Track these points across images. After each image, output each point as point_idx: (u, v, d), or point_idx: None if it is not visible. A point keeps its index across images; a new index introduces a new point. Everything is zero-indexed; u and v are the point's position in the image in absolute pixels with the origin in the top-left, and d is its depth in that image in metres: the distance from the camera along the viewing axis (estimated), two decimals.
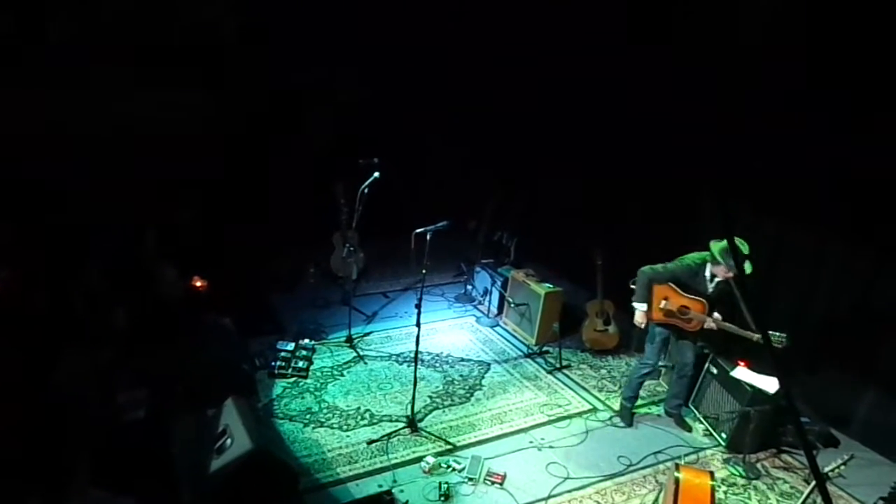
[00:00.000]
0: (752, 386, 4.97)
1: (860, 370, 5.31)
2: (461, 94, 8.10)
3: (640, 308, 5.14)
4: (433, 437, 5.03)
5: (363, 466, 4.68)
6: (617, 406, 5.56)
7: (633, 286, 5.20)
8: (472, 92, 8.09)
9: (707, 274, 4.93)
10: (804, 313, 5.57)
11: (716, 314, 4.91)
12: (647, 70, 6.35)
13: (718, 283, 4.90)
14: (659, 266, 5.04)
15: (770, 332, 4.54)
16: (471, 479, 4.58)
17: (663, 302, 5.04)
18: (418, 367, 5.19)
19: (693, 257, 4.97)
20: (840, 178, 5.05)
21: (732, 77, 5.55)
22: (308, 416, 5.20)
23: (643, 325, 5.20)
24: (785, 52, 5.28)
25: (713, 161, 6.05)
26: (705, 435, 5.34)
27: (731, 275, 4.74)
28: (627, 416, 5.45)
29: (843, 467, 3.86)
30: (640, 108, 6.49)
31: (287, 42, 7.28)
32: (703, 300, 4.89)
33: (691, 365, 5.29)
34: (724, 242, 4.65)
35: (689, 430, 5.38)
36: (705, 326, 4.92)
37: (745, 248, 4.54)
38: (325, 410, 5.30)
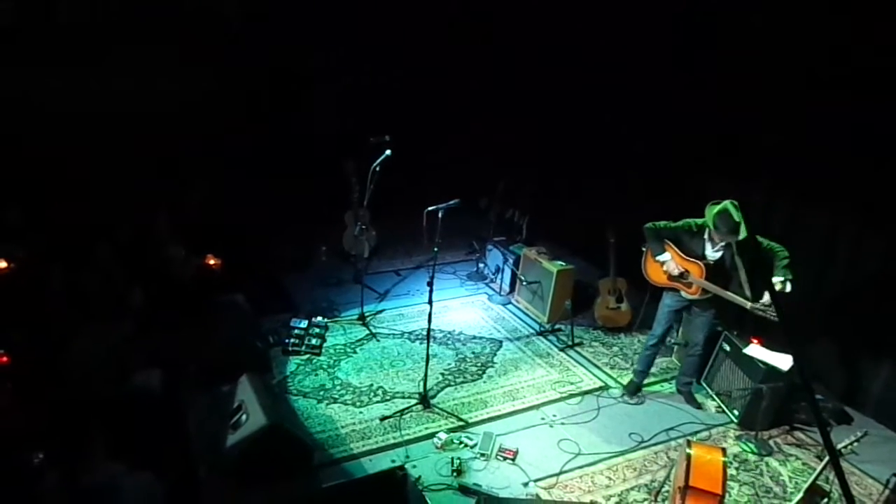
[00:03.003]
0: (765, 363, 4.95)
1: (874, 347, 5.27)
2: (474, 72, 8.04)
3: (664, 258, 5.00)
4: (445, 414, 5.06)
5: (376, 442, 4.73)
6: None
7: (644, 249, 5.19)
8: (486, 70, 8.03)
9: (706, 237, 4.87)
10: (818, 290, 5.53)
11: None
12: (655, 46, 6.28)
13: (721, 248, 4.83)
14: (661, 223, 5.01)
15: (765, 303, 4.52)
16: (483, 455, 4.61)
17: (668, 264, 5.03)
18: (430, 344, 5.21)
19: (694, 219, 4.92)
20: (856, 151, 4.98)
21: (744, 52, 5.49)
22: (322, 393, 5.24)
23: (679, 270, 4.96)
24: (798, 27, 5.20)
25: (724, 137, 6.00)
26: (718, 412, 5.34)
27: (726, 240, 4.69)
28: (632, 388, 5.47)
29: (856, 444, 3.86)
30: (651, 85, 6.43)
31: (297, 20, 7.24)
32: (702, 264, 4.86)
33: (702, 345, 5.26)
34: (720, 206, 4.60)
35: (700, 407, 5.38)
36: (702, 291, 4.89)
37: (737, 214, 4.50)
38: (338, 387, 5.34)
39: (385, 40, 7.61)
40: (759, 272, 4.67)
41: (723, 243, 4.78)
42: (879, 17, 4.68)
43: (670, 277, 5.01)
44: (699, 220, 4.89)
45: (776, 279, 4.50)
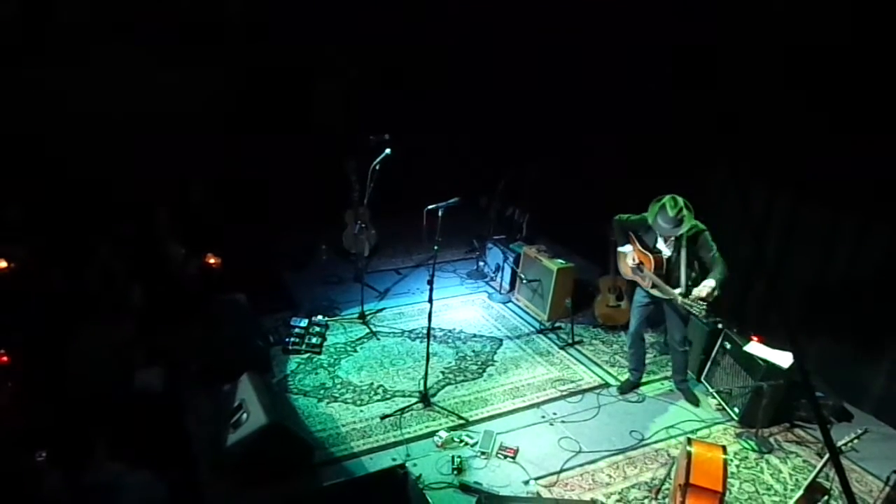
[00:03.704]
0: (765, 361, 4.96)
1: (874, 344, 5.27)
2: (471, 70, 8.04)
3: (625, 249, 5.19)
4: (446, 412, 5.07)
5: (377, 441, 4.73)
6: None
7: (612, 238, 5.32)
8: (483, 68, 8.03)
9: (656, 229, 4.90)
10: (819, 287, 5.53)
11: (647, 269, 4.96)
12: (656, 43, 6.27)
13: (671, 243, 4.88)
14: (626, 215, 5.13)
15: (696, 299, 4.59)
16: (483, 453, 4.62)
17: (629, 256, 5.14)
18: (431, 342, 5.22)
19: (649, 213, 4.97)
20: (857, 148, 4.98)
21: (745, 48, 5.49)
22: (322, 392, 5.25)
23: (639, 263, 5.07)
24: (808, 23, 5.20)
25: (727, 136, 6.00)
26: (718, 409, 5.34)
27: (668, 234, 4.77)
28: (627, 386, 5.50)
29: (856, 441, 3.86)
30: (651, 83, 6.42)
31: (298, 19, 7.24)
32: (653, 257, 4.91)
33: (681, 341, 5.26)
34: (658, 203, 4.70)
35: (697, 403, 5.37)
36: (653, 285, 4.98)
37: (673, 209, 4.61)
38: (338, 386, 5.34)
39: (385, 39, 7.62)
40: (698, 271, 4.87)
41: (671, 238, 4.84)
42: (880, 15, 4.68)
43: (633, 270, 5.11)
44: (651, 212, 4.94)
45: (709, 283, 4.62)
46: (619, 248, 5.24)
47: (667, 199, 4.68)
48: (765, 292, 5.89)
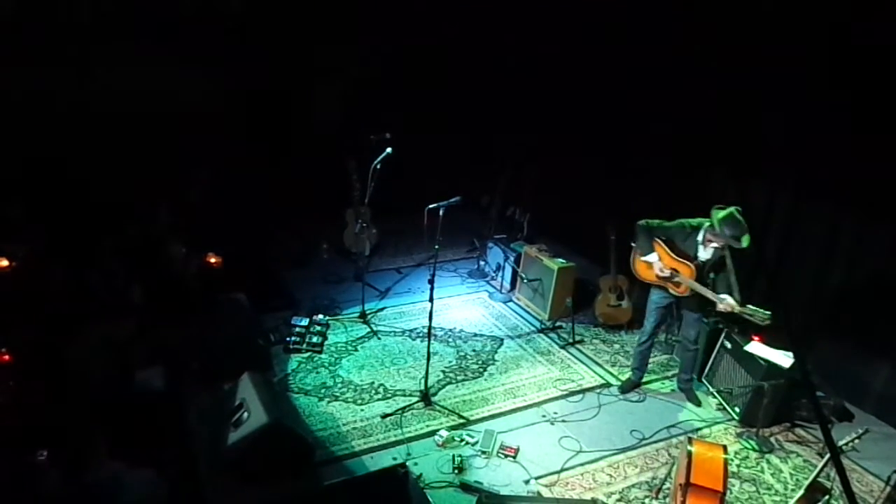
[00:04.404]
0: (766, 360, 4.96)
1: (875, 344, 5.27)
2: (471, 69, 8.03)
3: (651, 258, 4.99)
4: (447, 412, 5.07)
5: (377, 440, 4.73)
6: None
7: (633, 245, 5.18)
8: (483, 67, 8.03)
9: (700, 239, 4.85)
10: (819, 287, 5.53)
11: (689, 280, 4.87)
12: (658, 44, 6.27)
13: (714, 250, 4.81)
14: (655, 221, 4.99)
15: (754, 307, 4.56)
16: (484, 453, 4.62)
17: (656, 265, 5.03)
18: (432, 342, 5.22)
19: (689, 220, 4.91)
20: (856, 147, 4.98)
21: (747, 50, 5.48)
22: (323, 391, 5.25)
23: (667, 272, 4.95)
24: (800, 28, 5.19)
25: (726, 136, 5.99)
26: (719, 409, 5.34)
27: (727, 244, 4.67)
28: (628, 385, 5.49)
29: (857, 441, 3.86)
30: (652, 82, 6.42)
31: (298, 18, 7.24)
32: (693, 265, 4.85)
33: (694, 340, 5.27)
34: (726, 212, 4.58)
35: (699, 404, 5.38)
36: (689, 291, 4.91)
37: (743, 220, 4.50)
38: (339, 385, 5.34)
39: (385, 39, 7.62)
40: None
41: (717, 246, 4.75)
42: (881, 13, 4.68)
43: (659, 276, 5.01)
44: (693, 221, 4.88)
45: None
46: (643, 257, 5.02)
47: (734, 209, 4.54)
48: (766, 292, 5.88)
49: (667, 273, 4.93)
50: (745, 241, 4.51)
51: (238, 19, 7.00)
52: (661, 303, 5.20)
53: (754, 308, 4.55)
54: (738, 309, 4.64)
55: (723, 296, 4.70)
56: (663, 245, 4.99)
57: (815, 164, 5.31)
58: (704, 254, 4.87)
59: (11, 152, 5.86)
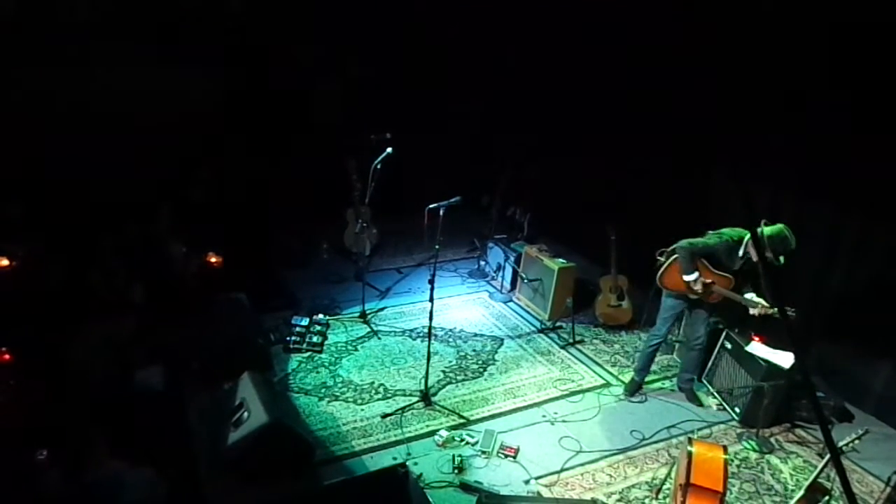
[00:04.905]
0: (766, 361, 4.96)
1: (876, 345, 5.27)
2: (471, 69, 8.03)
3: (691, 277, 4.89)
4: (447, 411, 5.07)
5: (377, 440, 4.73)
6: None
7: (659, 257, 5.13)
8: (483, 67, 8.02)
9: (741, 252, 4.82)
10: (820, 288, 5.53)
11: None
12: (658, 44, 6.26)
13: (748, 259, 4.80)
14: (698, 241, 4.89)
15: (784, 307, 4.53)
16: (484, 453, 4.62)
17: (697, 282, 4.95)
18: (432, 342, 5.22)
19: (731, 233, 4.85)
20: (856, 147, 4.97)
21: (750, 52, 5.47)
22: (323, 390, 5.25)
23: (711, 283, 4.91)
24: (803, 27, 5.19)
25: (728, 136, 5.99)
26: (719, 409, 5.34)
27: (769, 257, 4.57)
28: (633, 387, 5.47)
29: (857, 441, 3.86)
30: (652, 82, 6.41)
31: (298, 17, 7.23)
32: (731, 277, 4.84)
33: (702, 339, 5.26)
34: (776, 228, 4.53)
35: (701, 405, 5.38)
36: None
37: (793, 241, 4.50)
38: (339, 384, 5.34)
39: (386, 38, 7.61)
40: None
41: (751, 257, 4.74)
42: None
43: (692, 288, 4.95)
44: (734, 235, 4.84)
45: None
46: (686, 276, 4.89)
47: (783, 226, 4.52)
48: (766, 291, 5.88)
49: (703, 286, 4.90)
50: (782, 260, 4.52)
51: (238, 19, 6.99)
52: (678, 307, 5.20)
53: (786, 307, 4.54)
54: (774, 310, 4.62)
55: (756, 299, 4.72)
56: (703, 262, 4.94)
57: (815, 164, 5.31)
58: (738, 263, 4.87)
59: (11, 152, 5.85)
